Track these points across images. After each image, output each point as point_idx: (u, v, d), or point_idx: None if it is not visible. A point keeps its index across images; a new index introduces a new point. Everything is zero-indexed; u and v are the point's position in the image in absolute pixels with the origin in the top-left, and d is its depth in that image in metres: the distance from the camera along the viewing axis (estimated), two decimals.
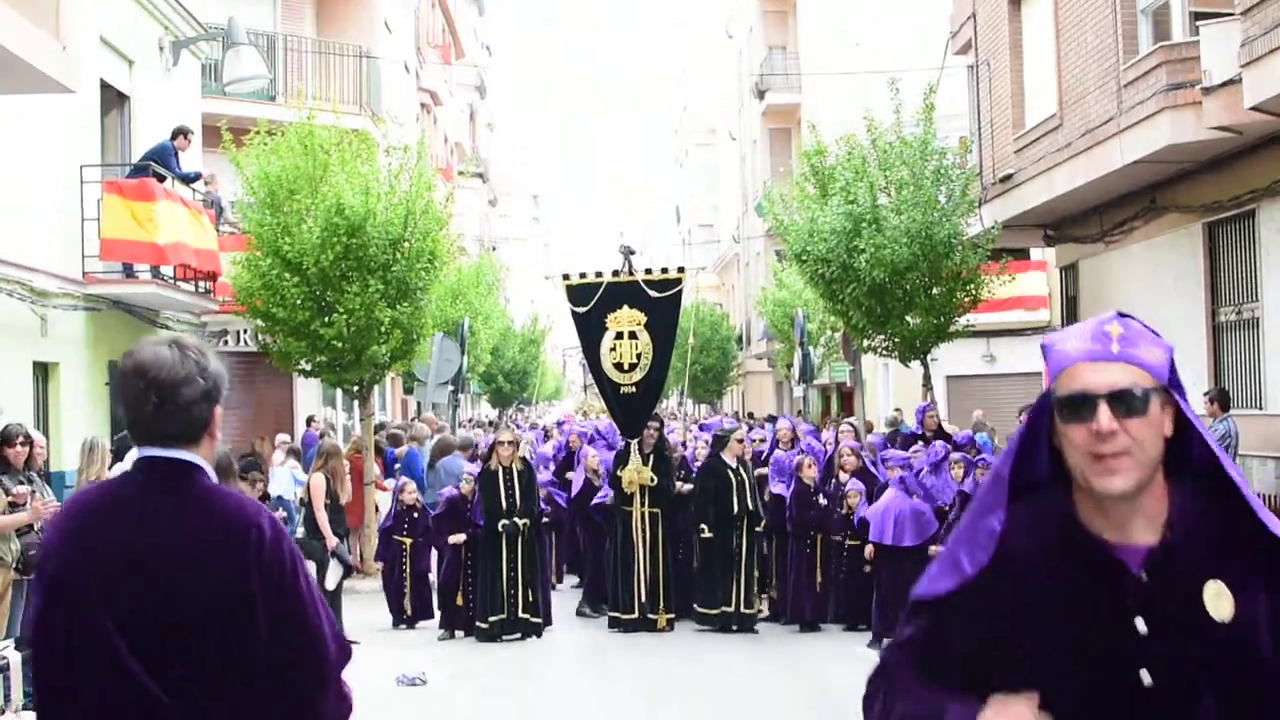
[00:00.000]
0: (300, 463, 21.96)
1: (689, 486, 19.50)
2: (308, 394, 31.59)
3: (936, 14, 36.54)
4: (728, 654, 17.09)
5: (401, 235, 22.36)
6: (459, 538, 18.73)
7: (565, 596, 21.77)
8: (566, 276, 20.62)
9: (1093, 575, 3.39)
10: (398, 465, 24.74)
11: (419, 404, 40.51)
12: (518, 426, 35.15)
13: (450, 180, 47.76)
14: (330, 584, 16.90)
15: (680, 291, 20.13)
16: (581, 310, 20.03)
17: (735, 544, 18.56)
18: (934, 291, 24.60)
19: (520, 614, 18.22)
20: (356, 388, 23.78)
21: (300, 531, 18.11)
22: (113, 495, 4.31)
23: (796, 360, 34.77)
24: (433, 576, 19.92)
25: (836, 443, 20.20)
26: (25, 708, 11.57)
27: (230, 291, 23.63)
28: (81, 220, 20.33)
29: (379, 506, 23.23)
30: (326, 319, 21.95)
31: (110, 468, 14.40)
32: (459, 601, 18.70)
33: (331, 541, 17.11)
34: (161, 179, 21.13)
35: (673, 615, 18.97)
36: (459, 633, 18.66)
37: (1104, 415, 3.30)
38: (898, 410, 28.60)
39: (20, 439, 13.99)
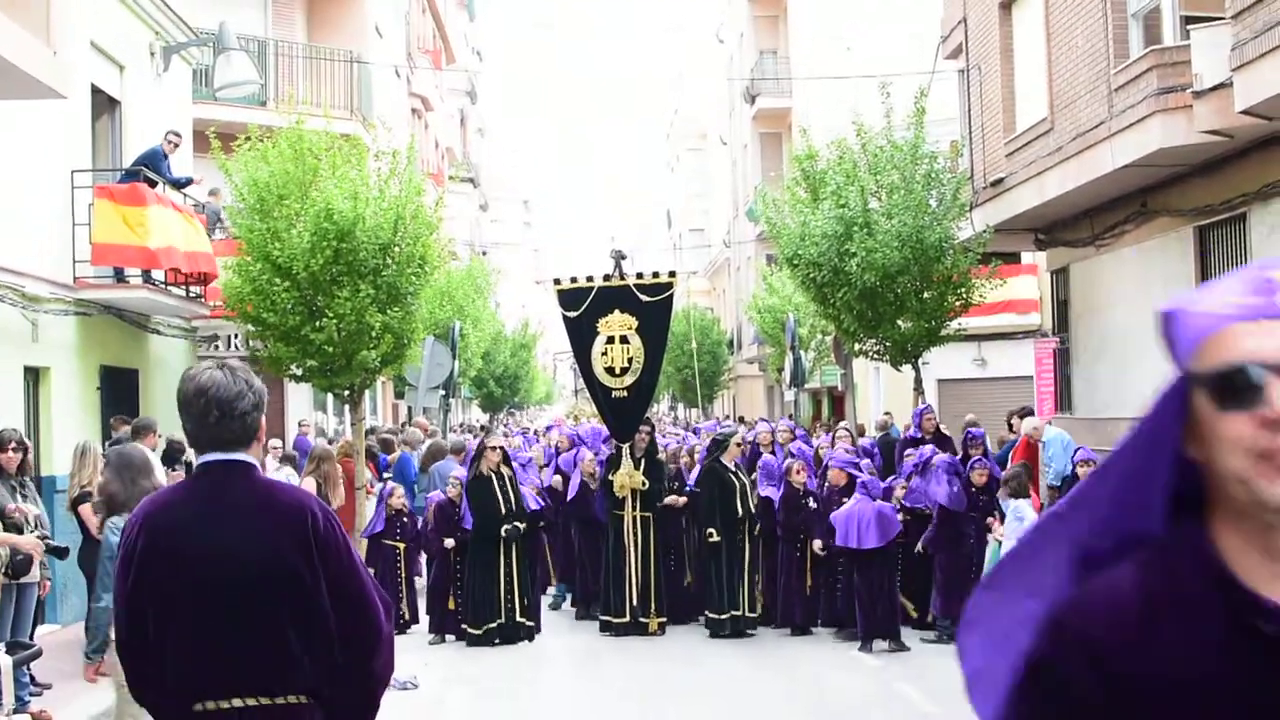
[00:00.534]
0: (295, 469, 21.94)
1: (682, 500, 19.45)
2: (299, 399, 31.57)
3: (927, 19, 36.57)
4: (722, 659, 17.10)
5: (391, 240, 22.33)
6: (450, 542, 18.76)
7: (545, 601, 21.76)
8: (558, 281, 20.64)
9: (1258, 654, 2.33)
10: (388, 474, 24.68)
11: (409, 408, 40.47)
12: (508, 431, 35.11)
13: (441, 185, 47.73)
14: None
15: (671, 296, 20.17)
16: (573, 315, 20.05)
17: (741, 547, 18.59)
18: (925, 295, 24.60)
19: (516, 619, 18.29)
20: (347, 392, 23.74)
21: None
22: (187, 491, 5.23)
23: (788, 364, 34.78)
24: (419, 581, 19.95)
25: (832, 445, 20.22)
26: (16, 710, 11.55)
27: (221, 296, 23.60)
28: (73, 225, 20.29)
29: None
30: (317, 324, 21.92)
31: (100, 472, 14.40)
32: (451, 605, 18.72)
33: None
34: (153, 184, 21.11)
35: (664, 619, 18.98)
36: (449, 637, 18.70)
37: (1277, 393, 2.32)
38: (888, 414, 28.60)
39: (13, 444, 13.98)
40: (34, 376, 19.36)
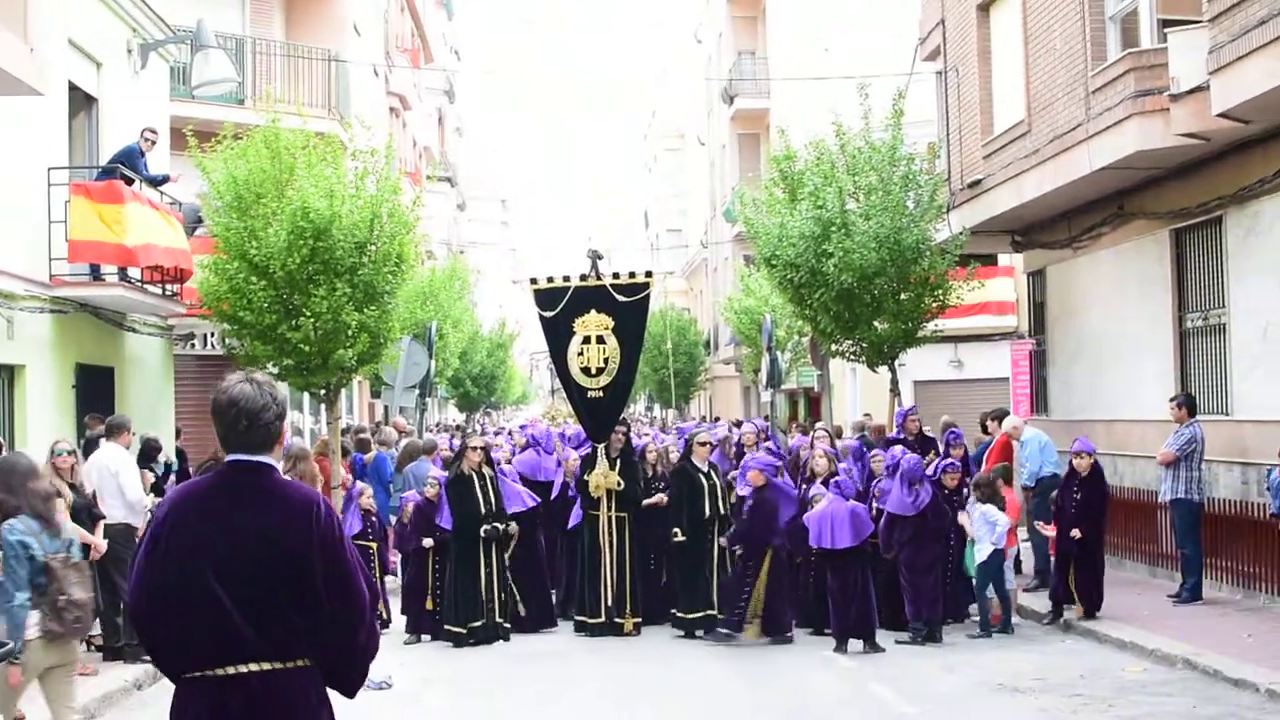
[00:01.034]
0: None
1: (664, 498, 19.41)
2: None
3: (905, 20, 36.61)
4: (697, 659, 17.09)
5: (368, 238, 22.32)
6: (429, 541, 18.75)
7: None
8: (534, 281, 20.63)
9: None
10: (364, 479, 24.61)
11: (386, 408, 40.43)
12: (483, 430, 35.08)
13: (418, 184, 47.69)
14: None
15: (648, 296, 20.14)
16: (549, 314, 20.03)
17: (708, 547, 18.58)
18: (902, 297, 24.62)
19: (496, 619, 18.31)
20: (324, 391, 23.72)
21: None
22: (210, 486, 6.04)
23: (764, 365, 34.78)
24: (392, 581, 19.93)
25: (811, 447, 20.20)
26: None
27: (197, 295, 23.53)
28: (48, 223, 20.21)
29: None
30: (293, 322, 21.89)
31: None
32: (429, 605, 18.71)
33: None
34: (130, 181, 21.04)
35: (640, 620, 18.97)
36: (425, 636, 18.68)
37: None
38: (867, 415, 28.62)
39: None
40: (9, 375, 19.29)
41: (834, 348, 26.62)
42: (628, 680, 15.88)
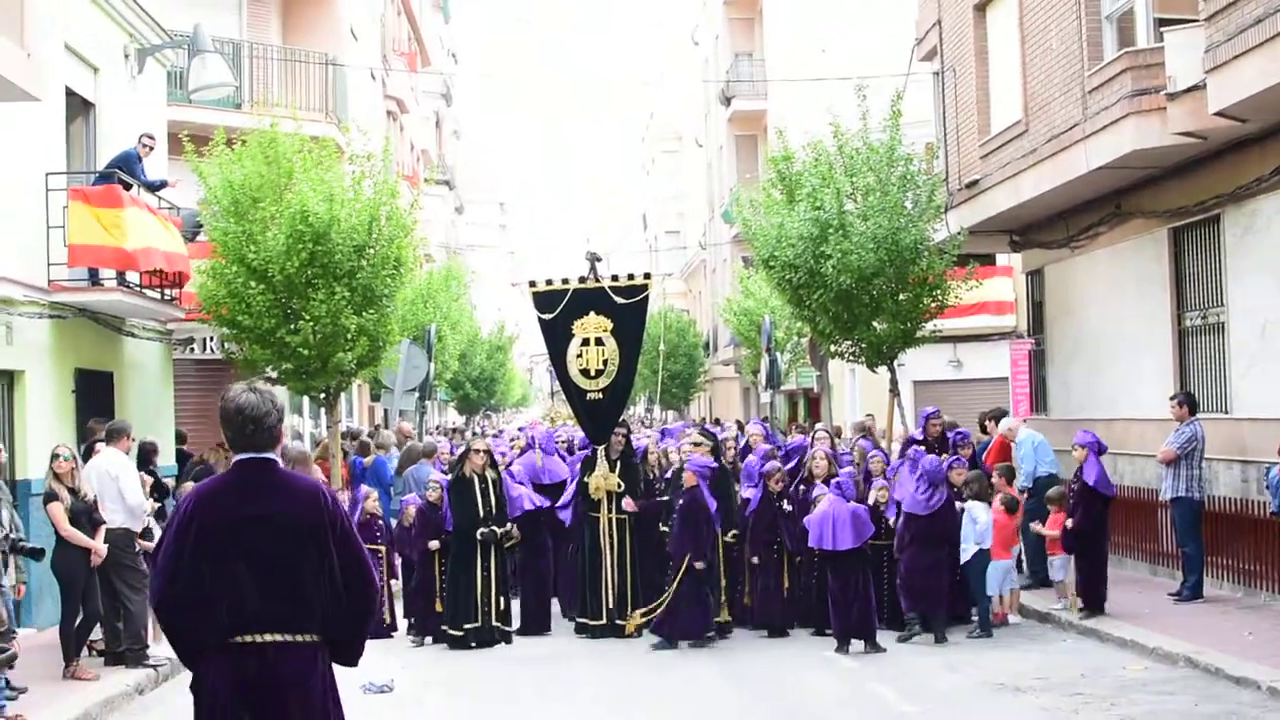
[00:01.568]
0: None
1: (633, 504, 19.32)
2: None
3: (902, 21, 36.60)
4: (696, 661, 17.07)
5: (366, 241, 22.33)
6: (435, 544, 18.73)
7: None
8: (533, 283, 20.61)
9: None
10: (361, 481, 24.61)
11: (385, 411, 40.43)
12: (483, 433, 35.06)
13: (416, 187, 47.72)
14: None
15: (646, 298, 20.12)
16: (548, 317, 20.02)
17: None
18: (900, 297, 24.63)
19: (494, 622, 18.28)
20: (323, 395, 23.73)
21: None
22: (228, 481, 7.05)
23: (763, 366, 34.80)
24: (394, 585, 19.90)
25: (811, 446, 20.15)
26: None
27: (196, 300, 23.51)
28: (47, 228, 20.19)
29: None
30: (292, 326, 21.90)
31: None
32: (438, 608, 18.67)
33: None
34: (127, 186, 21.03)
35: (642, 622, 18.95)
36: (428, 639, 18.66)
37: None
38: (869, 415, 28.57)
39: None
40: (8, 380, 19.29)
41: (833, 348, 26.62)
42: (624, 684, 15.81)
